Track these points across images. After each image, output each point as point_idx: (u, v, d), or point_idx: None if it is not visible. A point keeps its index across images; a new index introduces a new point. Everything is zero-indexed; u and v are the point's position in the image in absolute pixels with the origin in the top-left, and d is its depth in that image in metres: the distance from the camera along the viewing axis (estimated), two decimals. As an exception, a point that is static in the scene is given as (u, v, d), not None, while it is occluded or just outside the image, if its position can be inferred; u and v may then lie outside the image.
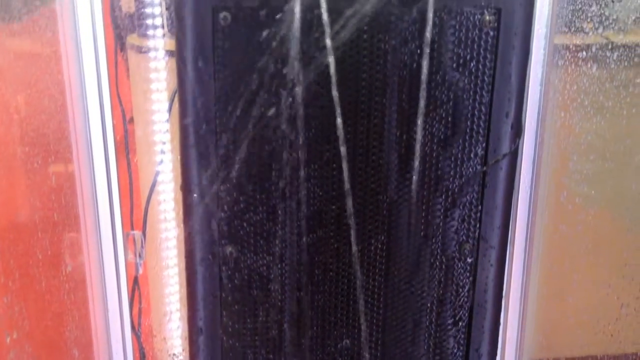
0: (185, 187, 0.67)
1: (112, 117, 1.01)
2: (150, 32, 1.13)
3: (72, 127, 0.97)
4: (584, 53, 0.83)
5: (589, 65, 0.82)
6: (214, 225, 0.68)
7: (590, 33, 0.81)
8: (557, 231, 0.90)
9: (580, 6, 0.84)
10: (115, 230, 1.05)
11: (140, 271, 1.08)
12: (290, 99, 0.63)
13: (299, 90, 0.63)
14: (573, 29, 0.87)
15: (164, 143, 1.01)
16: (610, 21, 0.84)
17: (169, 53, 1.15)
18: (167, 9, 1.09)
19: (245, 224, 0.68)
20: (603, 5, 0.87)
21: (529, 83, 0.79)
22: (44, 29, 0.89)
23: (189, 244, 0.69)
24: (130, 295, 1.09)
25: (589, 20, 0.84)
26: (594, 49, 0.81)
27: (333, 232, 0.68)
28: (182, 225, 1.11)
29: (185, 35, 0.62)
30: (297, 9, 0.61)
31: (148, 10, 1.11)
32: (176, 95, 1.03)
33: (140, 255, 1.07)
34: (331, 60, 0.62)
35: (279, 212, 0.67)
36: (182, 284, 1.12)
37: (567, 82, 0.89)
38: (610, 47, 0.77)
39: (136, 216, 1.09)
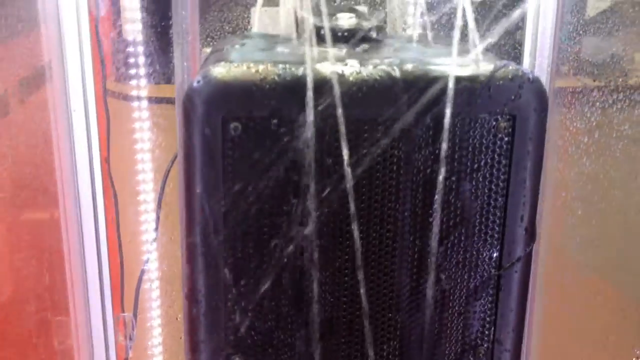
0: (191, 297, 0.64)
1: (104, 197, 0.98)
2: (131, 79, 1.10)
3: (62, 209, 0.94)
4: (586, 138, 0.83)
5: (591, 151, 0.82)
6: (221, 334, 0.65)
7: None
8: (561, 314, 0.89)
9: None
10: (105, 312, 1.01)
11: (130, 354, 1.05)
12: (302, 208, 0.61)
13: (310, 198, 0.61)
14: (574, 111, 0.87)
15: (154, 229, 0.99)
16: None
17: (151, 100, 1.13)
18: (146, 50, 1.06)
19: (253, 332, 0.65)
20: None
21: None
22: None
23: (194, 352, 0.66)
24: (120, 377, 1.05)
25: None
26: (596, 135, 0.81)
27: (345, 338, 0.66)
28: (169, 309, 1.09)
29: (193, 145, 0.60)
30: (310, 118, 0.59)
31: (130, 57, 1.08)
32: (168, 177, 1.01)
33: (131, 338, 1.03)
34: (347, 169, 0.60)
35: (289, 319, 0.65)
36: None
37: (568, 163, 0.89)
38: (615, 134, 0.77)
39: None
